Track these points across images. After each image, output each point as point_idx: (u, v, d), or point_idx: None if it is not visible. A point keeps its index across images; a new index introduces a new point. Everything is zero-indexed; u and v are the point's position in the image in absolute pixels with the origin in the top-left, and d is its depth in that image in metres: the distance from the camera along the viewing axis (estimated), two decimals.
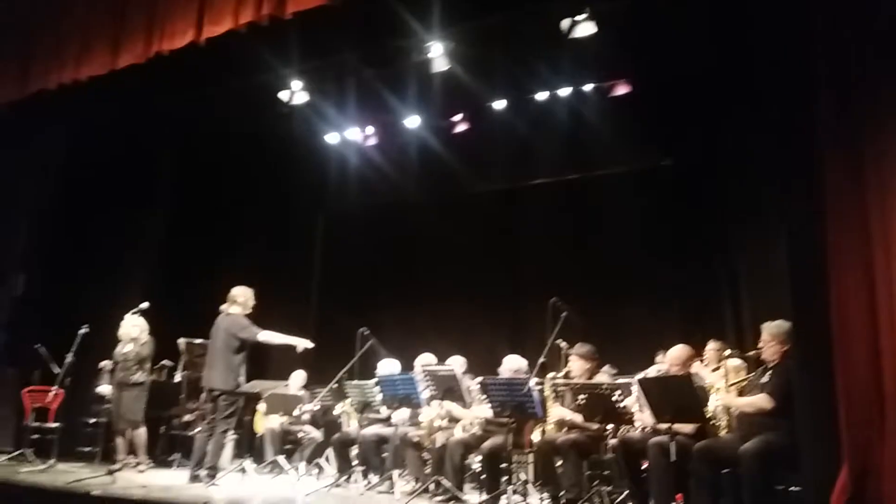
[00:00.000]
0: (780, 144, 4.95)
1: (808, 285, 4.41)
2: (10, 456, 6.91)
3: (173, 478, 6.71)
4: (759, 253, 6.86)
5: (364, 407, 6.52)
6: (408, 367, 6.82)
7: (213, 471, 6.18)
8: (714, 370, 5.45)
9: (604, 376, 5.71)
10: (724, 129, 7.54)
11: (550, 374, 5.77)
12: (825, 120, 4.41)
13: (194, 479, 6.15)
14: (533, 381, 5.34)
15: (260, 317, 10.25)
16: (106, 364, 7.77)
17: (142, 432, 7.07)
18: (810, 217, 4.44)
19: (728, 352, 5.27)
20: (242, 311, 6.58)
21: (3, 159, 7.82)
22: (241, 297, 6.61)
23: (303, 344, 6.48)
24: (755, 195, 6.91)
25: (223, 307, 6.64)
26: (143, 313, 6.91)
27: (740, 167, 7.29)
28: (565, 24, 6.96)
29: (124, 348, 6.93)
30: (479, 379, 5.94)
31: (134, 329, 6.99)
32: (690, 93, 7.65)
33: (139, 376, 7.03)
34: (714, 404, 4.87)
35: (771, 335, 4.73)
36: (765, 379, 4.67)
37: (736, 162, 7.39)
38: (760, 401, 4.55)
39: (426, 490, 5.85)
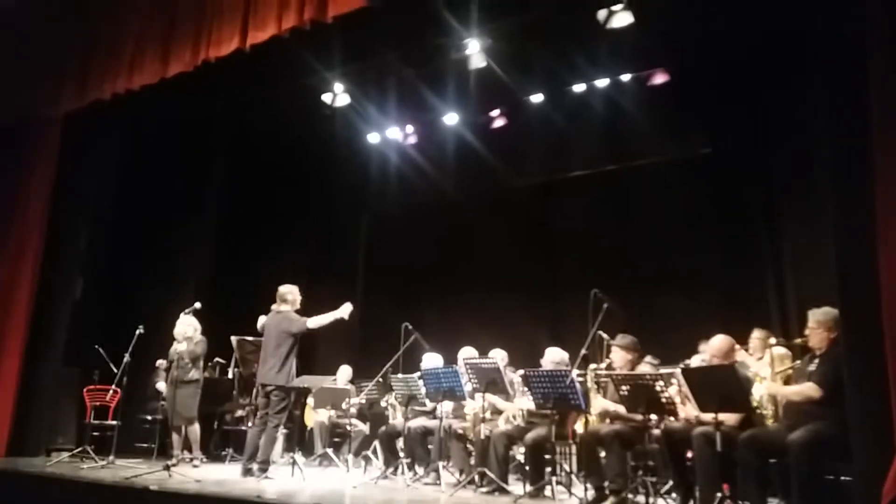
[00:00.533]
0: (826, 128, 4.83)
1: (857, 271, 4.31)
2: (72, 453, 7.19)
3: (227, 472, 6.89)
4: (803, 240, 6.75)
5: (409, 400, 6.61)
6: (450, 360, 6.89)
7: (266, 465, 6.36)
8: (759, 359, 5.38)
9: (646, 367, 5.67)
10: (766, 114, 7.43)
11: (592, 366, 5.78)
12: (876, 100, 4.29)
13: (247, 472, 6.33)
14: (574, 373, 5.35)
15: (307, 314, 10.50)
16: (161, 363, 8.08)
17: (195, 428, 7.33)
18: (858, 202, 4.33)
19: (773, 340, 5.20)
20: (292, 308, 6.77)
21: (64, 167, 8.11)
22: (290, 295, 6.81)
23: (346, 310, 6.68)
24: (799, 180, 6.80)
25: (273, 306, 6.82)
26: (196, 313, 7.12)
27: (783, 152, 7.18)
28: (602, 14, 6.95)
29: (179, 347, 7.17)
30: (521, 371, 5.98)
31: (188, 328, 7.23)
32: (730, 79, 7.57)
33: (193, 374, 7.29)
34: (759, 393, 4.82)
35: (817, 322, 4.66)
36: (812, 367, 4.59)
37: (778, 147, 7.27)
38: (808, 389, 4.48)
39: (471, 481, 5.91)
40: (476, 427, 6.20)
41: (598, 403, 5.60)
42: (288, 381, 6.55)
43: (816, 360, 4.61)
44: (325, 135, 9.55)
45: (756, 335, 6.03)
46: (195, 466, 6.93)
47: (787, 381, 4.83)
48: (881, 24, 4.33)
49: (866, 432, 4.08)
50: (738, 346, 5.22)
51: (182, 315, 7.23)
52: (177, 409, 7.10)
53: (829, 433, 4.26)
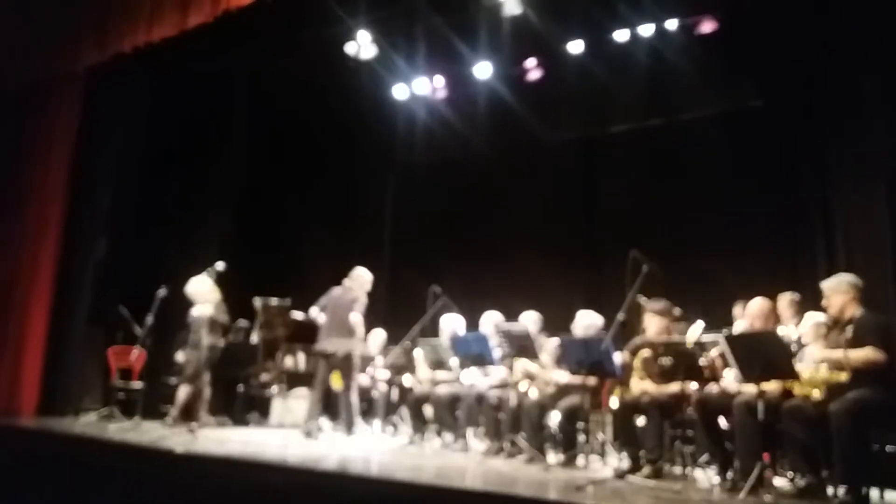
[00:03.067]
0: (883, 80, 4.46)
1: None
2: (98, 412, 7.19)
3: (251, 435, 6.84)
4: (857, 197, 6.34)
5: (437, 365, 6.42)
6: (477, 323, 6.68)
7: (351, 426, 6.60)
8: (797, 325, 5.10)
9: (697, 329, 5.44)
10: (820, 66, 6.93)
11: (641, 350, 5.47)
12: None
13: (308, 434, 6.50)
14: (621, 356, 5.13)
15: (335, 275, 10.40)
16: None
17: (206, 392, 7.19)
18: None
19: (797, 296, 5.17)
20: (361, 289, 7.09)
21: (86, 124, 8.01)
22: (362, 278, 7.21)
23: None
24: (853, 138, 6.35)
25: (345, 281, 7.19)
26: (219, 274, 6.95)
27: (837, 107, 6.71)
28: None
29: (205, 311, 7.03)
30: (556, 340, 5.75)
31: (207, 292, 7.09)
32: (782, 27, 7.07)
33: (218, 341, 7.13)
34: (809, 360, 4.55)
35: (831, 290, 4.56)
36: (847, 335, 4.34)
37: (832, 102, 6.80)
38: (871, 353, 4.21)
39: (501, 449, 5.73)
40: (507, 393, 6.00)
41: (638, 386, 5.35)
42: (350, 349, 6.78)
43: (850, 326, 4.38)
44: (351, 87, 9.25)
45: (787, 298, 5.68)
46: (191, 430, 6.68)
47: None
48: None
49: None
50: None
51: (196, 278, 7.10)
52: (188, 371, 7.02)
53: (874, 400, 4.09)
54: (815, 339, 4.63)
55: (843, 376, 4.28)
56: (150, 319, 6.97)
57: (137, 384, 7.49)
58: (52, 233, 7.75)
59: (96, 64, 7.88)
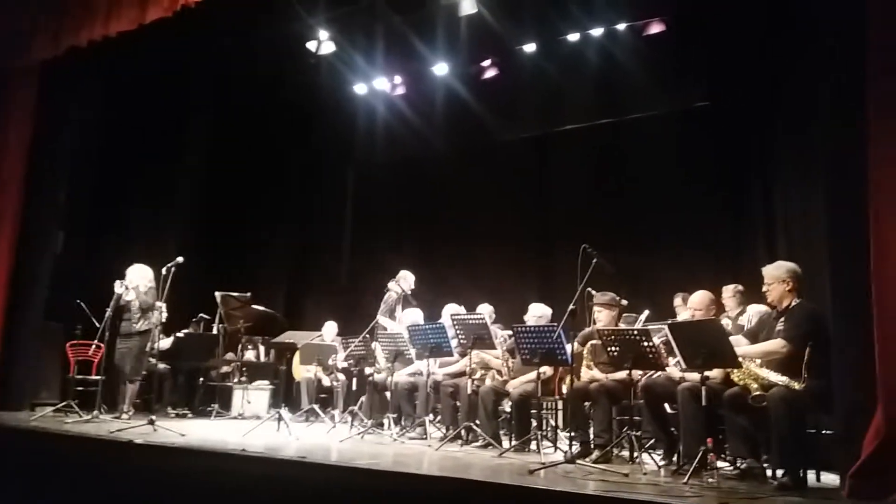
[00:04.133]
0: (823, 82, 4.72)
1: (847, 226, 4.25)
2: (56, 407, 7.14)
3: (212, 427, 6.89)
4: (797, 199, 6.64)
5: (396, 356, 6.56)
6: (437, 316, 6.84)
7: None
8: (738, 315, 5.35)
9: (642, 318, 5.73)
10: (764, 67, 7.23)
11: (590, 339, 5.69)
12: (873, 56, 4.18)
13: None
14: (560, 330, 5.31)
15: (294, 269, 10.46)
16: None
17: (134, 386, 7.18)
18: (852, 157, 4.24)
19: (741, 287, 5.38)
20: (400, 291, 7.48)
21: (42, 118, 7.90)
22: (404, 279, 7.64)
23: None
24: (796, 138, 6.65)
25: (389, 283, 7.59)
26: (178, 266, 6.97)
27: (781, 108, 7.02)
28: None
29: (126, 296, 7.00)
30: (509, 332, 5.94)
31: (142, 280, 7.10)
32: (728, 30, 7.36)
33: (142, 324, 7.09)
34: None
35: (772, 276, 4.65)
36: (780, 326, 4.55)
37: (776, 103, 7.11)
38: (774, 345, 4.44)
39: (458, 436, 5.90)
40: (464, 382, 6.18)
41: (588, 374, 5.57)
42: None
43: (783, 318, 4.57)
44: (310, 84, 9.31)
45: (728, 291, 6.00)
46: (125, 420, 6.69)
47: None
48: None
49: (848, 385, 4.04)
50: None
51: (134, 265, 7.10)
52: (116, 363, 6.97)
53: (810, 386, 4.22)
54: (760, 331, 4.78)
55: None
56: (109, 313, 6.94)
57: (96, 378, 7.46)
58: (7, 227, 7.60)
59: (52, 57, 7.74)
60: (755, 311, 5.12)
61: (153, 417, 6.19)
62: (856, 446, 3.83)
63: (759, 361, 4.49)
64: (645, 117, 8.28)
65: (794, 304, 4.58)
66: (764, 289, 4.71)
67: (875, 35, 4.20)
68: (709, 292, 5.23)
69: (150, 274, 7.23)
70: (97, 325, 7.05)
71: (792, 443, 4.17)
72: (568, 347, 5.32)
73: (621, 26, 8.04)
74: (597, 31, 8.13)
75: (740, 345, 4.60)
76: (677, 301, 6.49)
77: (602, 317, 5.66)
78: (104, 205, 9.04)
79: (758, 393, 4.28)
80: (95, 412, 6.70)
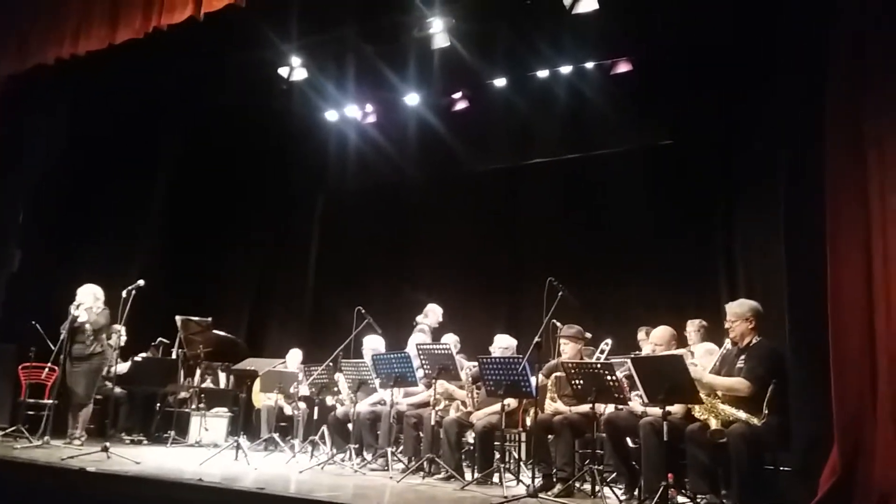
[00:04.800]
0: (782, 122, 4.88)
1: (805, 265, 4.38)
2: (5, 432, 6.91)
3: (168, 455, 6.73)
4: (757, 233, 6.81)
5: (359, 385, 6.51)
6: (404, 346, 6.82)
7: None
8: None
9: (605, 348, 5.73)
10: (726, 107, 7.46)
11: (553, 372, 5.71)
12: (831, 99, 4.34)
13: None
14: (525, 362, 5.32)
15: (259, 296, 10.34)
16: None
17: (88, 409, 7.02)
18: (809, 197, 4.39)
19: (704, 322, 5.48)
20: (427, 324, 7.46)
21: (2, 133, 7.75)
22: (432, 313, 7.64)
23: None
24: (756, 176, 6.84)
25: (417, 318, 7.59)
26: (138, 290, 6.83)
27: (742, 147, 7.22)
28: None
29: (79, 317, 6.84)
30: (474, 364, 5.93)
31: (89, 297, 6.95)
32: (692, 70, 7.57)
33: (95, 347, 6.94)
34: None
35: (735, 314, 4.74)
36: (740, 363, 4.62)
37: (738, 142, 7.31)
38: (737, 384, 4.51)
39: (420, 468, 5.85)
40: (427, 413, 6.14)
41: (552, 407, 5.58)
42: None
43: (743, 356, 4.63)
44: (282, 110, 9.31)
45: (693, 324, 6.10)
46: (77, 446, 6.53)
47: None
48: (840, 34, 4.36)
49: (806, 424, 4.12)
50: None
51: (85, 285, 6.97)
52: (69, 387, 6.81)
53: (768, 424, 4.27)
54: (709, 366, 4.82)
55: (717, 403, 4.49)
56: (63, 335, 6.77)
57: (47, 402, 7.24)
58: None
59: (17, 73, 7.64)
60: (704, 348, 5.17)
61: (107, 444, 6.04)
62: (813, 482, 3.89)
63: (720, 395, 4.54)
64: (612, 153, 8.44)
65: (754, 341, 4.66)
66: (726, 325, 4.79)
67: (834, 76, 4.36)
68: (670, 328, 5.28)
69: (100, 294, 7.07)
70: (52, 347, 6.87)
71: (751, 479, 4.20)
72: (532, 380, 5.33)
73: (589, 65, 8.21)
74: (565, 69, 8.28)
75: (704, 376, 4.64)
76: (641, 335, 6.56)
77: (568, 349, 5.69)
78: (66, 224, 8.84)
79: (716, 428, 4.33)
80: (46, 437, 6.51)
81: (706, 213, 7.72)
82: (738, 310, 4.75)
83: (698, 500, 4.63)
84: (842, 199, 4.18)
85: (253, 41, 7.48)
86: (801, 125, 4.63)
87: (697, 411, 4.57)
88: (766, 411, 4.28)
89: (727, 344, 4.80)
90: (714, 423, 4.39)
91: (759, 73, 6.53)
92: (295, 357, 8.26)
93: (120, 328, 6.94)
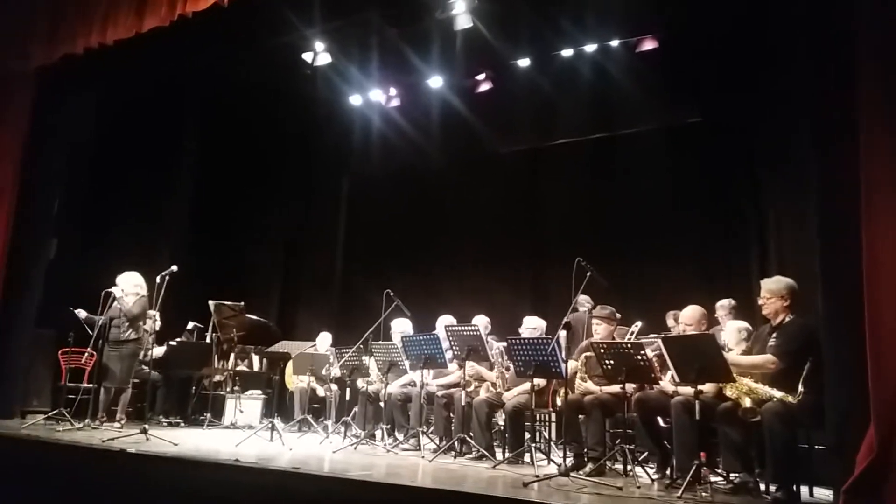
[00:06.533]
0: (814, 97, 4.78)
1: (839, 241, 4.30)
2: (47, 415, 7.10)
3: (204, 437, 6.87)
4: (788, 212, 6.73)
5: (389, 366, 6.57)
6: (429, 328, 6.86)
7: None
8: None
9: (635, 329, 5.75)
10: (754, 82, 7.34)
11: (585, 351, 5.71)
12: (864, 71, 4.25)
13: None
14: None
15: (288, 279, 10.45)
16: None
17: (127, 393, 7.15)
18: (842, 177, 4.30)
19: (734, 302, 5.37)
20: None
21: (36, 124, 7.88)
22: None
23: None
24: (786, 152, 6.74)
25: None
26: (172, 276, 6.96)
27: (771, 124, 7.12)
28: None
29: (119, 304, 6.99)
30: (503, 344, 5.96)
31: (127, 286, 7.07)
32: (719, 46, 7.47)
33: (130, 334, 7.07)
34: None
35: (770, 291, 4.69)
36: (772, 341, 4.60)
37: (767, 119, 7.21)
38: (765, 360, 4.49)
39: (451, 448, 5.91)
40: (458, 393, 6.19)
41: (583, 387, 5.59)
42: None
43: (776, 334, 4.60)
44: (306, 95, 9.34)
45: (723, 304, 6.06)
46: (118, 429, 6.67)
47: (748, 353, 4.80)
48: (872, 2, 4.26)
49: (842, 401, 4.08)
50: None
51: (125, 273, 7.10)
52: (110, 370, 6.95)
53: (803, 402, 4.25)
54: (737, 345, 4.85)
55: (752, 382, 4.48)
56: (101, 320, 6.92)
57: (88, 385, 7.42)
58: (0, 233, 7.60)
59: (48, 64, 7.75)
60: (733, 326, 5.14)
61: (146, 426, 6.18)
62: (849, 461, 3.86)
63: (752, 376, 4.52)
64: (637, 132, 8.38)
65: (787, 319, 4.62)
66: (760, 301, 4.75)
67: (865, 42, 4.26)
68: (700, 307, 5.24)
69: (138, 281, 7.19)
70: (90, 332, 7.02)
71: (785, 457, 4.19)
72: (562, 360, 5.33)
73: (614, 42, 8.13)
74: (590, 47, 8.21)
75: (728, 356, 4.62)
76: (670, 321, 6.51)
77: (601, 329, 5.68)
78: (98, 212, 9.03)
79: (749, 407, 4.32)
80: (87, 420, 6.68)
81: (735, 192, 7.65)
82: (773, 286, 4.70)
83: (731, 479, 4.65)
84: (878, 173, 4.10)
85: (277, 27, 7.46)
86: (832, 98, 4.54)
87: (729, 390, 4.56)
88: (802, 389, 4.25)
89: None
90: (746, 402, 4.38)
91: (789, 46, 6.42)
92: (325, 340, 8.37)
93: (155, 313, 7.07)
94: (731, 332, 5.00)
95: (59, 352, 7.99)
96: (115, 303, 7.01)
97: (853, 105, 4.28)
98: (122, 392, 7.11)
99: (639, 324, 5.73)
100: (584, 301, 6.86)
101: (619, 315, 5.87)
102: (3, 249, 7.56)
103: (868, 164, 4.14)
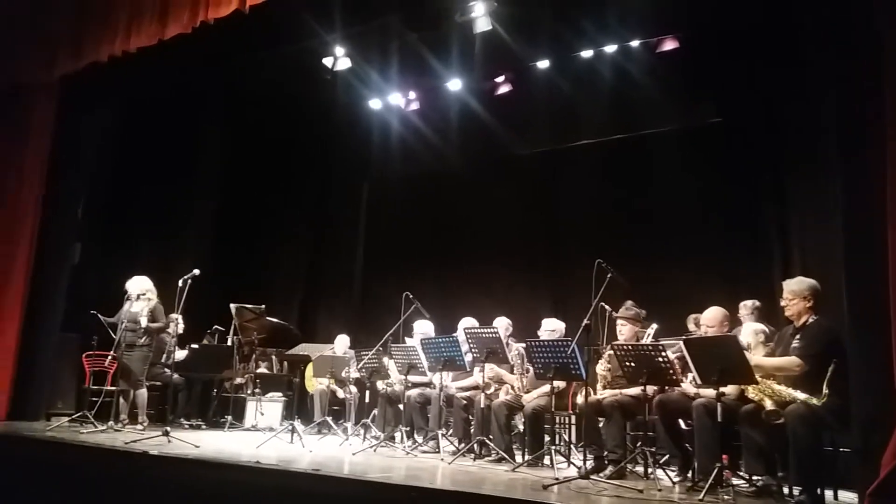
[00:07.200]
0: (837, 98, 4.72)
1: (863, 242, 4.24)
2: (71, 417, 7.20)
3: (225, 439, 6.91)
4: (811, 214, 6.63)
5: (409, 369, 6.58)
6: (450, 330, 6.85)
7: None
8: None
9: (651, 332, 5.64)
10: (776, 85, 7.25)
11: (607, 355, 5.67)
12: (888, 69, 4.19)
13: None
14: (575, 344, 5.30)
15: (308, 283, 10.51)
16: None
17: (143, 392, 7.24)
18: (866, 178, 4.24)
19: (758, 303, 5.39)
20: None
21: (61, 131, 8.02)
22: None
23: None
24: (809, 153, 6.65)
25: None
26: (194, 279, 7.02)
27: (793, 125, 7.02)
28: None
29: (131, 308, 7.08)
30: (523, 345, 5.94)
31: (142, 289, 7.16)
32: (740, 47, 7.37)
33: (145, 339, 7.16)
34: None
35: (793, 292, 4.63)
36: (795, 343, 4.54)
37: (789, 119, 7.11)
38: (790, 363, 4.43)
39: (471, 450, 5.90)
40: (477, 395, 6.18)
41: (605, 393, 5.55)
42: None
43: (799, 335, 4.55)
44: (326, 100, 9.40)
45: (746, 304, 5.98)
46: (141, 431, 6.75)
47: (771, 355, 4.74)
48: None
49: (867, 404, 4.02)
50: None
51: (136, 277, 7.20)
52: (125, 373, 7.04)
53: (827, 405, 4.19)
54: (755, 347, 4.78)
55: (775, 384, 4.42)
56: (122, 324, 7.01)
57: (111, 389, 7.52)
58: (25, 239, 7.71)
59: (72, 72, 7.88)
60: (751, 328, 5.07)
61: (167, 428, 6.24)
62: (874, 464, 3.80)
63: (775, 378, 4.46)
64: (658, 133, 8.29)
65: (811, 320, 4.56)
66: (783, 303, 4.70)
67: (892, 44, 4.20)
68: (722, 308, 5.19)
69: (148, 285, 7.26)
70: (113, 336, 7.12)
71: (810, 460, 4.14)
72: (582, 361, 5.30)
73: (634, 43, 8.06)
74: (610, 48, 8.16)
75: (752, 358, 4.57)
76: (691, 325, 6.43)
77: (625, 331, 5.63)
78: (121, 217, 9.17)
79: (772, 409, 4.26)
80: (110, 423, 6.76)
81: (757, 192, 7.56)
82: (796, 287, 4.64)
83: (754, 482, 4.59)
84: None
85: (297, 32, 7.53)
86: (857, 96, 4.48)
87: (751, 392, 4.51)
88: (827, 391, 4.19)
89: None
90: (769, 404, 4.32)
91: (810, 45, 6.34)
92: (342, 342, 8.40)
93: (177, 317, 7.14)
94: (748, 334, 4.93)
95: (84, 355, 8.11)
96: (129, 306, 7.07)
97: (880, 107, 4.22)
98: (136, 392, 7.17)
99: (654, 326, 5.67)
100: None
101: (644, 312, 5.79)
102: (29, 254, 7.71)
103: (894, 163, 4.08)
